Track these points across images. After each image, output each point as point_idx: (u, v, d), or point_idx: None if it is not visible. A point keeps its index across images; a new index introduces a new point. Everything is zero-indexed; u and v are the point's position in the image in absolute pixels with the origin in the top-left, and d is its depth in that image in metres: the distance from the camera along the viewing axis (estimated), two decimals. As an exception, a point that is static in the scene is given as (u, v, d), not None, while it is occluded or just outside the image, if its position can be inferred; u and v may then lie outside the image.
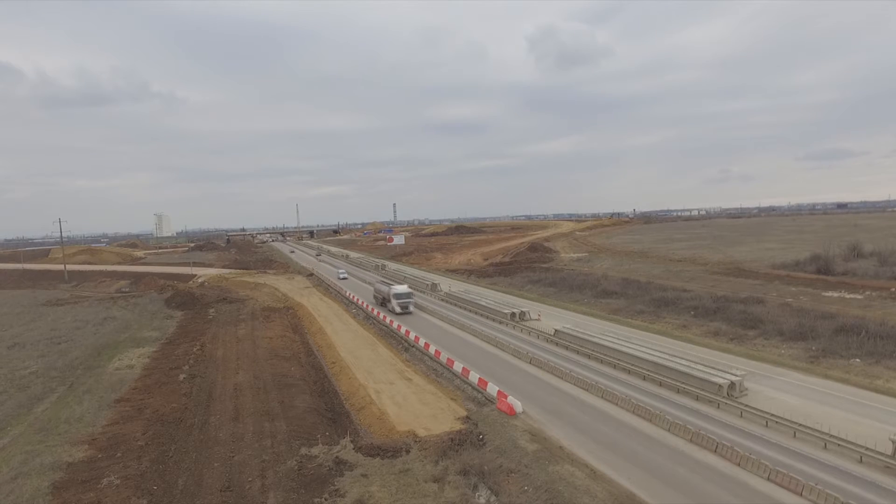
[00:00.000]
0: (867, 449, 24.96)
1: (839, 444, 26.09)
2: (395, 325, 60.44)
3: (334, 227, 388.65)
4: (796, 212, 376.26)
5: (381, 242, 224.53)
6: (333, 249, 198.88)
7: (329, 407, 37.87)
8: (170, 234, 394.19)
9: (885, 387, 34.66)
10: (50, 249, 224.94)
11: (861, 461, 24.94)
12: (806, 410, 30.78)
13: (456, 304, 72.12)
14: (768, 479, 23.75)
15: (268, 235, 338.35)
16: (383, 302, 73.38)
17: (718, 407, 32.32)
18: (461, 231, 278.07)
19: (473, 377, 39.33)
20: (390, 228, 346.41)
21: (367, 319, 67.62)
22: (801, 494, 22.38)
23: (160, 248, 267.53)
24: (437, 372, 43.49)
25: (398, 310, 68.30)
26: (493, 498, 24.05)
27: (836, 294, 63.01)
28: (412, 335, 54.10)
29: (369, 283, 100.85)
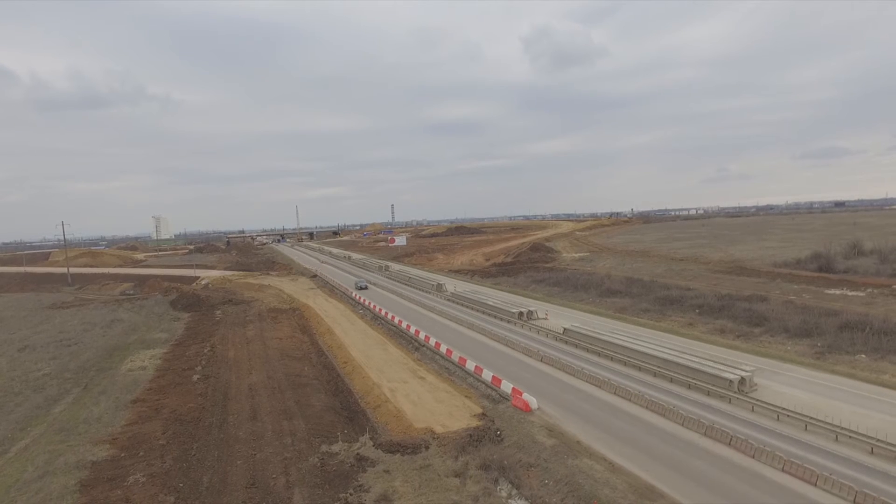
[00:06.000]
0: (878, 441, 25.61)
1: (850, 437, 26.72)
2: (404, 324, 60.99)
3: (334, 229, 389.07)
4: (794, 210, 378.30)
5: (382, 244, 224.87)
6: (335, 251, 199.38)
7: (344, 405, 38.33)
8: (168, 237, 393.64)
9: (891, 381, 35.32)
10: (50, 252, 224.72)
11: (872, 452, 25.58)
12: (815, 404, 31.42)
13: (463, 304, 72.67)
14: (783, 470, 24.38)
15: (265, 237, 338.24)
16: None
17: (730, 402, 32.97)
18: (461, 231, 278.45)
19: (487, 375, 39.91)
20: (390, 230, 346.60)
21: (375, 320, 68.13)
22: (816, 484, 23.01)
23: (160, 250, 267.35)
24: (450, 370, 44.05)
25: None
26: (514, 491, 24.62)
27: (838, 291, 63.76)
28: (422, 335, 54.66)
29: (373, 284, 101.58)
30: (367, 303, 78.22)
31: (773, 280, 73.81)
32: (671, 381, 37.34)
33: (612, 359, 43.23)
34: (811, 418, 28.70)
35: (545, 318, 59.87)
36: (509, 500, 23.91)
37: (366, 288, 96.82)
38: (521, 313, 59.81)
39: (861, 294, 61.22)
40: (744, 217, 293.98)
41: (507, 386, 36.94)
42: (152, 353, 54.58)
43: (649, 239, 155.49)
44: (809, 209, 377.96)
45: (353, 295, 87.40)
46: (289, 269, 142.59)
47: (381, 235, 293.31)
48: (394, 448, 29.41)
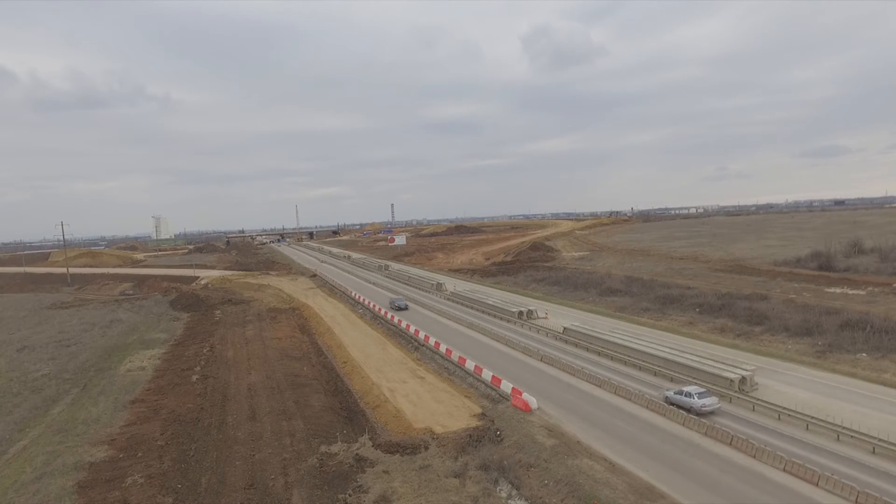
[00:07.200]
0: (880, 440, 25.49)
1: (852, 436, 26.61)
2: (403, 324, 60.86)
3: (334, 229, 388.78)
4: (794, 209, 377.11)
5: (382, 243, 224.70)
6: (335, 250, 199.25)
7: (344, 406, 38.23)
8: (168, 237, 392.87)
9: (892, 380, 35.20)
10: (49, 252, 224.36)
11: (874, 452, 25.46)
12: (816, 404, 31.30)
13: (462, 304, 72.56)
14: (784, 470, 24.25)
15: (265, 237, 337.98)
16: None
17: (731, 401, 32.84)
18: (461, 231, 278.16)
19: (486, 375, 39.79)
20: (390, 229, 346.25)
21: (375, 319, 67.99)
22: (818, 484, 22.88)
23: (159, 250, 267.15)
24: (449, 370, 43.93)
25: None
26: (514, 491, 24.49)
27: (838, 290, 63.60)
28: (422, 334, 54.52)
29: (373, 283, 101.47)
30: (366, 301, 77.96)
31: (774, 279, 73.64)
32: (672, 380, 37.18)
33: (612, 358, 43.11)
34: (812, 418, 28.60)
35: (545, 318, 59.76)
36: (509, 501, 23.78)
37: (405, 308, 71.56)
38: (520, 312, 59.70)
39: (861, 292, 61.08)
40: (744, 216, 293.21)
41: (506, 386, 36.82)
42: (151, 354, 54.45)
43: (649, 238, 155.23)
44: (809, 208, 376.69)
45: (389, 316, 66.87)
46: (288, 268, 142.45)
47: (380, 235, 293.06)
48: (393, 448, 29.27)
